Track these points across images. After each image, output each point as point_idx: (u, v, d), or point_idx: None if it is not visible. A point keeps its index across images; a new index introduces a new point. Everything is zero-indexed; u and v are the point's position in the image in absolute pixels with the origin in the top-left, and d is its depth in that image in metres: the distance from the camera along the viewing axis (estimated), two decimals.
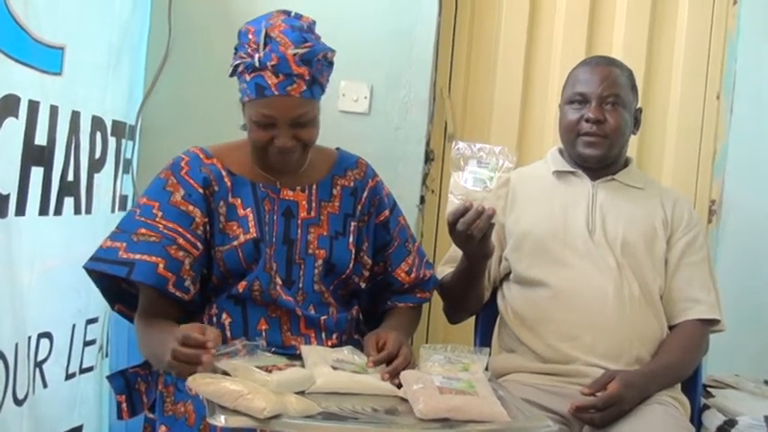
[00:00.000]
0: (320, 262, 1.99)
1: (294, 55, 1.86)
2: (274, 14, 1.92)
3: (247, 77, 1.88)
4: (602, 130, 2.23)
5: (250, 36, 1.89)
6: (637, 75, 2.40)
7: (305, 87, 1.88)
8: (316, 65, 1.89)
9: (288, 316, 1.94)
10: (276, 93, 1.86)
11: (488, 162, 1.99)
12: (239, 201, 1.96)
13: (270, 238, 1.96)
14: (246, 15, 1.99)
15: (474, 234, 1.95)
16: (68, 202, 2.21)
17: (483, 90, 3.02)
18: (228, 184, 1.97)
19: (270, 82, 1.86)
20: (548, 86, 2.98)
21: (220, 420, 1.51)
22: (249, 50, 1.88)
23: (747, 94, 2.95)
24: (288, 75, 1.86)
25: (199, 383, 1.58)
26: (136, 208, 1.94)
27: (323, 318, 1.97)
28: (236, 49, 1.93)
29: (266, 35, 1.87)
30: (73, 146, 2.20)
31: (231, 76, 1.93)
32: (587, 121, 2.23)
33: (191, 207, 1.92)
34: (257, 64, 1.86)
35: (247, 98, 1.90)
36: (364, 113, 2.81)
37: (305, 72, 1.87)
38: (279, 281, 1.95)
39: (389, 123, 2.84)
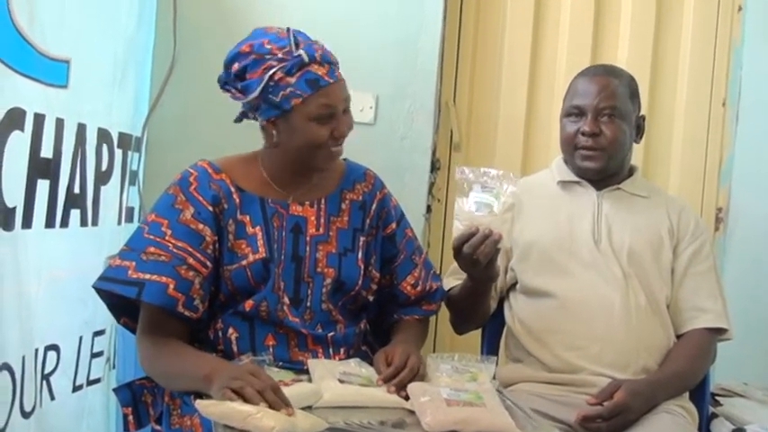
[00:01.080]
0: (329, 281, 1.97)
1: (323, 46, 1.92)
2: (262, 29, 1.93)
3: (292, 79, 1.85)
4: (598, 143, 2.22)
5: (268, 46, 1.87)
6: (642, 83, 2.40)
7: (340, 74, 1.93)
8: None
9: (295, 333, 1.93)
10: (330, 80, 1.88)
11: (492, 187, 1.99)
12: (248, 218, 1.94)
13: (278, 256, 1.94)
14: (251, 28, 1.98)
15: (480, 259, 1.95)
16: (75, 214, 2.21)
17: (488, 99, 3.02)
18: (237, 200, 1.94)
19: (320, 73, 1.87)
20: (553, 95, 2.99)
21: None
22: (280, 55, 1.86)
23: (753, 102, 2.95)
24: (329, 63, 1.90)
25: (206, 405, 1.57)
26: (144, 225, 1.91)
27: (330, 334, 1.96)
28: (245, 68, 1.88)
29: (293, 35, 1.89)
30: (79, 158, 2.21)
31: (260, 93, 1.86)
32: (583, 134, 2.23)
33: (200, 226, 1.89)
34: (306, 59, 1.85)
35: (298, 100, 1.86)
36: (370, 124, 2.82)
37: (336, 59, 1.93)
38: (286, 301, 1.93)
39: (395, 133, 2.85)
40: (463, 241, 1.95)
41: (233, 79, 1.91)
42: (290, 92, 1.86)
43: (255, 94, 1.87)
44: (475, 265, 1.98)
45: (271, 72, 1.85)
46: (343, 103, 1.92)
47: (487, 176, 2.01)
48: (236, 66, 1.90)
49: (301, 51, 1.86)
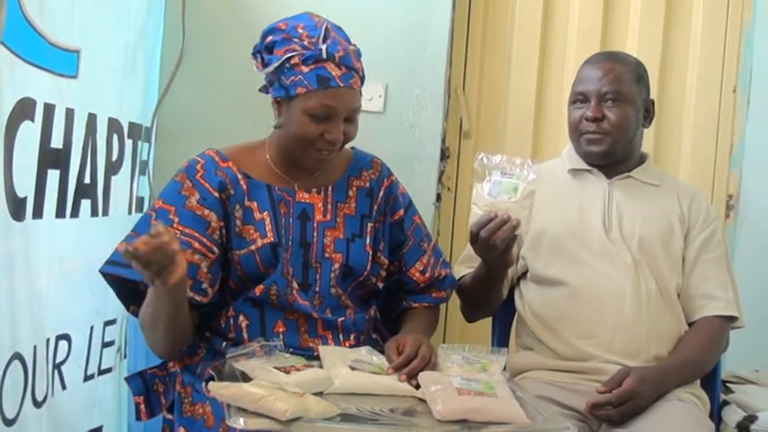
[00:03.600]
0: (337, 266, 1.98)
1: (353, 50, 1.92)
2: (309, 14, 1.95)
3: (305, 69, 1.86)
4: (601, 127, 2.22)
5: (300, 30, 1.89)
6: (652, 69, 2.39)
7: (360, 83, 1.93)
8: (362, 63, 1.94)
9: (305, 318, 1.94)
10: (341, 84, 1.87)
11: (512, 173, 1.99)
12: (255, 204, 1.96)
13: (287, 241, 1.95)
14: (260, 17, 2.00)
15: (497, 244, 1.94)
16: (85, 204, 2.21)
17: (498, 87, 3.01)
18: (244, 187, 1.96)
19: (334, 74, 1.87)
20: (563, 82, 2.97)
21: (239, 423, 1.51)
22: (305, 43, 1.87)
23: (764, 87, 2.93)
24: (349, 68, 1.89)
25: (218, 387, 1.58)
26: (151, 211, 1.94)
27: (340, 319, 1.97)
28: (275, 42, 1.91)
29: (325, 29, 1.90)
30: (90, 148, 2.20)
31: (273, 71, 1.89)
32: (587, 119, 2.23)
33: (206, 211, 1.91)
34: (324, 55, 1.86)
35: (303, 90, 1.87)
36: (379, 112, 2.82)
37: (360, 68, 1.93)
38: (295, 285, 1.94)
39: (404, 122, 2.84)
40: (481, 226, 1.95)
41: (263, 49, 1.94)
42: (299, 80, 1.87)
43: (270, 69, 1.90)
44: (491, 250, 1.97)
45: (289, 55, 1.88)
46: (346, 111, 1.90)
47: (507, 163, 2.00)
48: (269, 38, 1.93)
49: (323, 47, 1.87)
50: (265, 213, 1.95)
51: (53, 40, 2.00)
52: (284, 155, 1.99)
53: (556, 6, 3.03)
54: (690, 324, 2.23)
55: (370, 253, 2.03)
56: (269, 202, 1.96)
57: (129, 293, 1.98)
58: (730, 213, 2.97)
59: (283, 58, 1.88)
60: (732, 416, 2.28)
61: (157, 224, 1.65)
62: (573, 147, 2.34)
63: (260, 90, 2.02)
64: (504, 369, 1.89)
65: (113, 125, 2.35)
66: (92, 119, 2.21)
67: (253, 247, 1.93)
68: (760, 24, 2.93)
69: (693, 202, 2.31)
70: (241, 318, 1.93)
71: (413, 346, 1.85)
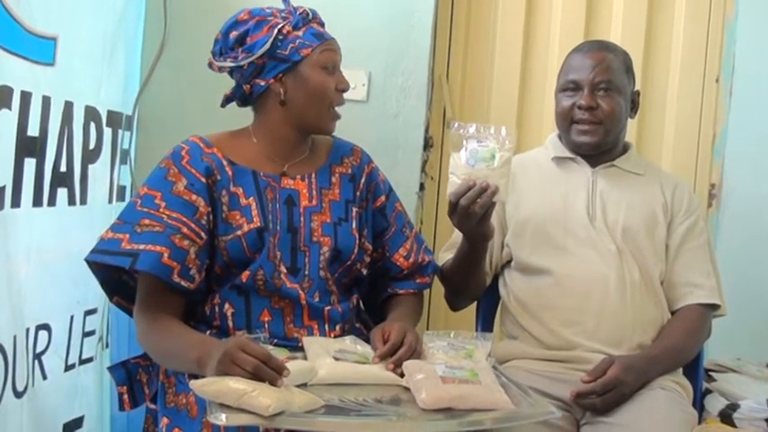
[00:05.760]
0: (326, 249, 1.97)
1: None
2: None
3: (299, 33, 1.94)
4: (595, 116, 2.22)
5: (267, 11, 1.96)
6: (635, 58, 2.38)
7: None
8: None
9: (291, 306, 1.93)
10: (331, 37, 1.99)
11: (488, 140, 1.98)
12: (241, 190, 1.95)
13: (274, 226, 1.94)
14: (243, 3, 1.98)
15: (476, 211, 1.93)
16: (62, 193, 2.19)
17: (481, 76, 3.01)
18: (230, 173, 1.95)
19: (320, 30, 1.99)
20: (546, 71, 2.97)
21: (221, 419, 1.50)
22: (283, 14, 1.95)
23: (747, 77, 2.93)
24: (324, 26, 2.02)
25: (201, 384, 1.57)
26: (137, 198, 1.91)
27: (327, 308, 1.95)
28: (246, 32, 1.93)
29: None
30: (66, 136, 2.19)
31: (269, 49, 1.92)
32: (580, 108, 2.22)
33: (194, 196, 1.90)
34: (310, 15, 1.97)
35: (308, 50, 1.94)
36: (362, 101, 2.80)
37: None
38: (283, 269, 1.93)
39: (388, 110, 2.83)
40: (460, 195, 1.94)
41: (232, 46, 1.95)
42: (300, 43, 1.93)
43: (265, 48, 1.92)
44: (470, 218, 1.95)
45: (279, 27, 1.92)
46: (340, 63, 2.00)
47: (483, 131, 1.99)
48: (234, 33, 1.95)
49: (302, 10, 1.96)
50: (251, 198, 1.94)
51: (30, 27, 1.98)
52: (283, 134, 1.99)
53: None
54: (673, 312, 2.24)
55: (357, 236, 2.02)
56: (254, 187, 1.96)
57: (114, 283, 1.97)
58: (713, 202, 2.98)
59: (275, 33, 1.92)
60: (714, 404, 2.29)
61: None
62: (560, 135, 2.33)
63: (223, 104, 2.05)
64: (490, 354, 1.88)
65: (90, 113, 2.33)
66: (68, 107, 2.20)
67: (239, 233, 1.91)
68: (743, 14, 2.93)
69: (676, 191, 2.31)
70: (227, 306, 1.92)
71: (398, 334, 1.85)
